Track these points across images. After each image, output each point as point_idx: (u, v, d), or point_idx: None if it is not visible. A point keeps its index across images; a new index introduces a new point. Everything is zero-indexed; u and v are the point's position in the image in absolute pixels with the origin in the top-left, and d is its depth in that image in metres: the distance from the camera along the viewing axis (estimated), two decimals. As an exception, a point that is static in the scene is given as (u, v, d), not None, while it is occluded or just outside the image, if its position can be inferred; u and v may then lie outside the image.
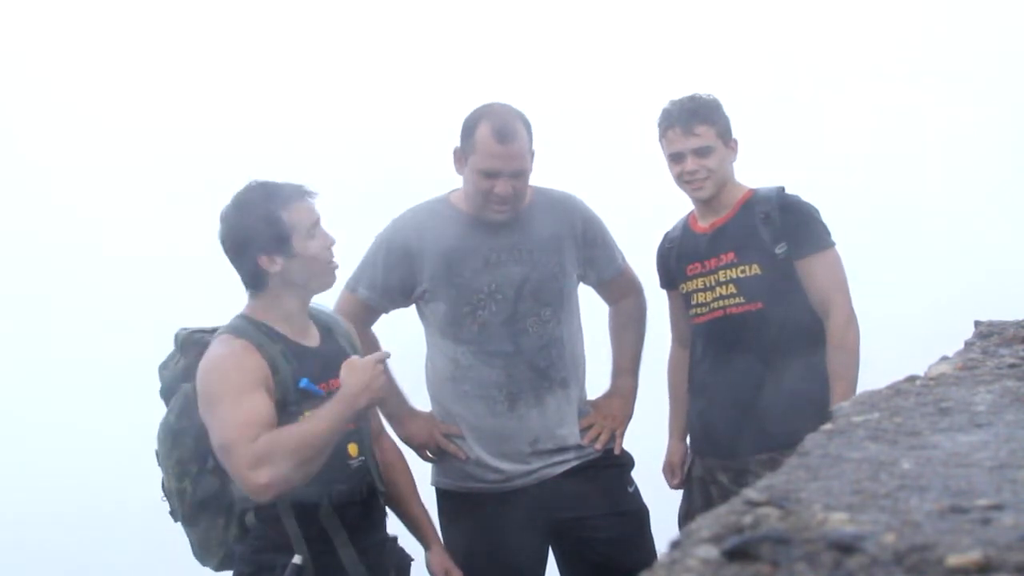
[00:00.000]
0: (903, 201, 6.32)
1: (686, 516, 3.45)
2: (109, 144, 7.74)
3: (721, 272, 3.30)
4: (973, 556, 0.82)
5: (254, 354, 2.60)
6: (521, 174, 3.12)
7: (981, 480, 1.05)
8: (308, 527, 2.62)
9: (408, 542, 3.02)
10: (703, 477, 3.38)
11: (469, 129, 3.12)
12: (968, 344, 1.92)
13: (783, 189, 3.36)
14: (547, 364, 3.21)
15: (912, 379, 1.63)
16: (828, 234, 3.27)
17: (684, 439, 3.52)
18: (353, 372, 2.61)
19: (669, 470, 3.55)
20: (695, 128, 3.28)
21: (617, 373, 3.50)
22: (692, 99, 3.34)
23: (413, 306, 3.32)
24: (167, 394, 2.78)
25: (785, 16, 7.59)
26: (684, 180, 3.33)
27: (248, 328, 2.67)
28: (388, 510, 2.97)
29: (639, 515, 3.34)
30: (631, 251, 3.50)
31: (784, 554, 0.86)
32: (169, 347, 2.85)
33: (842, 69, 7.44)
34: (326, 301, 3.05)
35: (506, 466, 3.21)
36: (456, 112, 3.21)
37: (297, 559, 2.59)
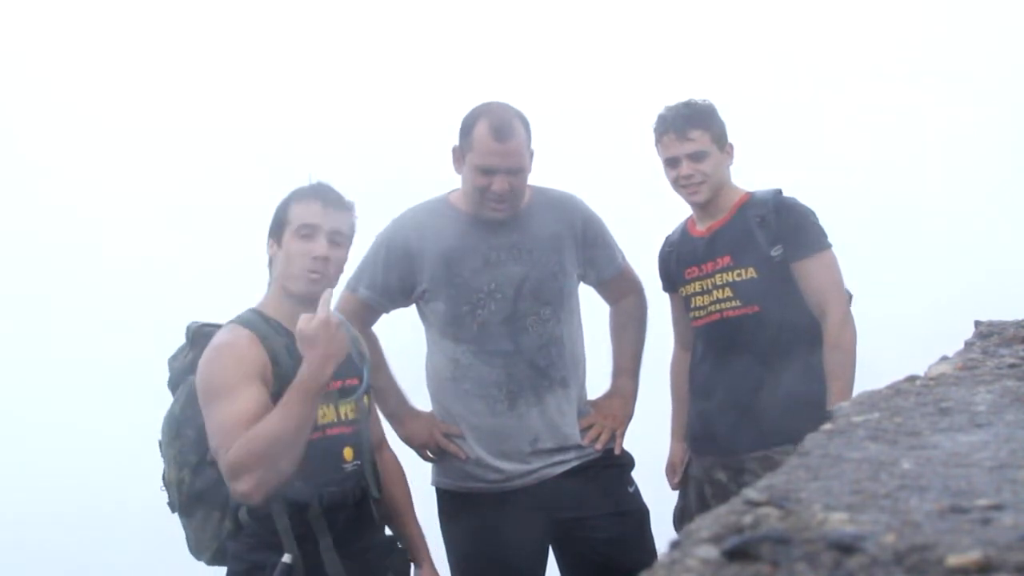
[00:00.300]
0: (903, 201, 6.33)
1: (681, 514, 3.48)
2: (110, 144, 7.75)
3: (718, 276, 3.32)
4: (973, 556, 0.82)
5: (256, 345, 2.63)
6: (518, 171, 3.12)
7: (981, 480, 1.05)
8: (298, 526, 2.63)
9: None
10: (699, 476, 3.39)
11: (467, 127, 3.14)
12: (968, 344, 1.92)
13: (780, 192, 3.36)
14: (547, 363, 3.21)
15: (912, 379, 1.63)
16: (824, 236, 3.28)
17: (685, 440, 3.52)
18: (308, 344, 2.54)
19: (670, 470, 3.57)
20: (689, 133, 3.30)
21: (617, 373, 3.50)
22: (687, 104, 3.36)
23: (413, 306, 3.32)
24: (174, 385, 2.82)
25: (785, 16, 7.59)
26: (680, 185, 3.36)
27: (255, 320, 2.70)
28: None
29: (639, 515, 3.34)
30: (631, 251, 3.50)
31: (784, 554, 0.86)
32: (169, 347, 2.87)
33: (842, 69, 7.44)
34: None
35: (506, 466, 3.21)
36: (456, 112, 3.22)
37: (287, 558, 2.60)
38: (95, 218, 7.58)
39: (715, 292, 3.33)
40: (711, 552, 0.88)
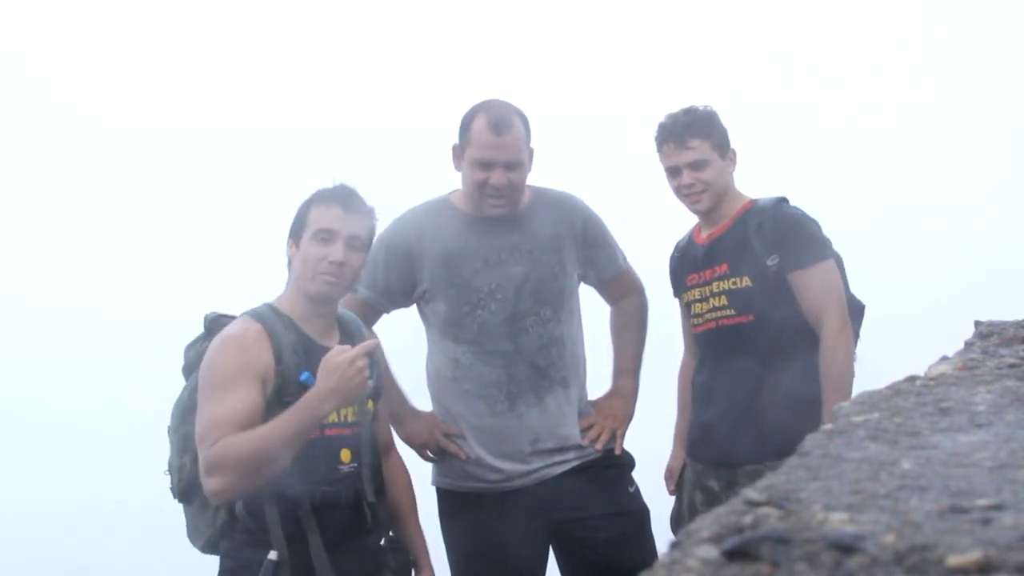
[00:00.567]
0: (903, 201, 6.33)
1: (676, 519, 3.48)
2: (109, 144, 7.75)
3: (715, 284, 3.31)
4: (973, 556, 0.82)
5: (262, 341, 2.65)
6: (517, 166, 3.12)
7: (981, 480, 1.05)
8: (289, 524, 2.64)
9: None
10: (691, 481, 3.39)
11: (466, 123, 3.16)
12: (968, 344, 1.92)
13: (783, 200, 3.33)
14: (547, 363, 3.21)
15: (912, 379, 1.63)
16: (823, 247, 3.23)
17: (684, 446, 3.52)
18: (324, 374, 2.57)
19: (669, 475, 3.56)
20: (689, 142, 3.28)
21: (618, 373, 3.50)
22: (687, 112, 3.34)
23: (414, 306, 3.32)
24: (188, 372, 2.85)
25: (785, 16, 7.59)
26: (682, 194, 3.34)
27: (268, 314, 2.73)
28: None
29: (639, 515, 3.34)
30: (631, 252, 3.50)
31: (784, 554, 0.86)
32: (169, 347, 2.89)
33: (842, 69, 7.44)
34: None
35: (506, 466, 3.21)
36: (457, 113, 3.23)
37: (272, 555, 2.62)
38: (95, 218, 7.58)
39: (712, 300, 3.32)
40: (711, 552, 0.88)
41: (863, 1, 7.71)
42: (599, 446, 3.30)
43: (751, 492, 1.03)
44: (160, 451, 2.88)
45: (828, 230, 3.30)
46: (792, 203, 3.36)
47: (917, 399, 1.47)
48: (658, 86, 6.80)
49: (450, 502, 3.30)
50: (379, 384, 2.88)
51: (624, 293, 3.48)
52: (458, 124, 3.21)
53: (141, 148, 7.77)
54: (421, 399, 3.35)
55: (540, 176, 3.32)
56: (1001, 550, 0.83)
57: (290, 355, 2.65)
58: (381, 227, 3.32)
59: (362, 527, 2.78)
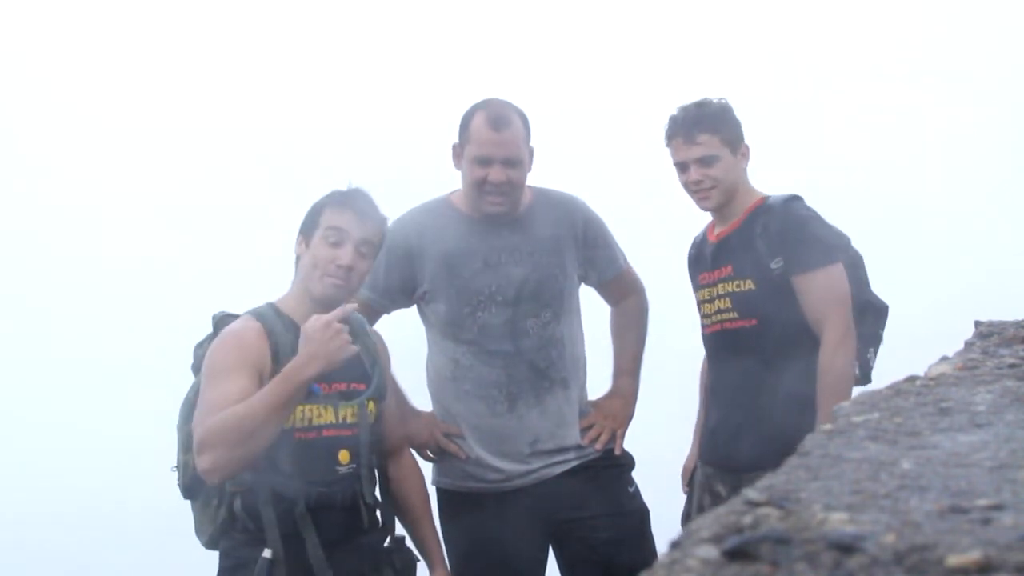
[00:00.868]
0: (903, 201, 6.33)
1: (686, 519, 3.45)
2: (109, 145, 7.75)
3: (720, 285, 3.26)
4: (973, 556, 0.82)
5: (261, 339, 2.67)
6: (516, 163, 3.12)
7: (981, 480, 1.05)
8: (286, 524, 2.65)
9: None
10: (702, 483, 3.37)
11: (466, 121, 3.17)
12: (968, 344, 1.92)
13: (794, 199, 3.25)
14: (547, 364, 3.21)
15: (912, 379, 1.63)
16: (828, 250, 3.14)
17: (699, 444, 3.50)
18: (304, 340, 2.58)
19: (684, 473, 3.54)
20: (697, 137, 3.20)
21: (618, 374, 3.50)
22: (698, 105, 3.25)
23: (414, 306, 3.32)
24: (196, 370, 2.86)
25: (785, 16, 7.59)
26: (691, 190, 3.27)
27: (269, 314, 2.74)
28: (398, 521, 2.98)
29: (639, 515, 3.34)
30: (631, 252, 3.50)
31: (784, 554, 0.86)
32: (169, 346, 2.90)
33: (842, 69, 7.44)
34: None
35: (506, 466, 3.21)
36: (457, 113, 3.23)
37: (267, 553, 2.62)
38: (95, 218, 7.58)
39: (717, 302, 3.27)
40: (711, 552, 0.88)
41: (863, 1, 7.71)
42: (599, 446, 3.30)
43: (751, 492, 1.04)
44: (160, 451, 2.89)
45: (830, 246, 3.19)
46: (805, 202, 3.27)
47: (917, 399, 1.47)
48: (658, 86, 6.80)
49: (450, 502, 3.30)
50: (382, 385, 2.88)
51: (624, 294, 3.48)
52: (458, 124, 3.21)
53: (141, 148, 7.77)
54: (421, 399, 3.35)
55: (540, 177, 3.32)
56: (1001, 550, 0.83)
57: (288, 355, 2.65)
58: (381, 227, 3.33)
59: (359, 528, 2.78)
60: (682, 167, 3.27)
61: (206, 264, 7.10)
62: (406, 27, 7.96)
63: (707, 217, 3.44)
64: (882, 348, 3.35)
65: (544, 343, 3.21)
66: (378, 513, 2.88)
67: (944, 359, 1.76)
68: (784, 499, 1.00)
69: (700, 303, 3.36)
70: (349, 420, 2.78)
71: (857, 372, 3.22)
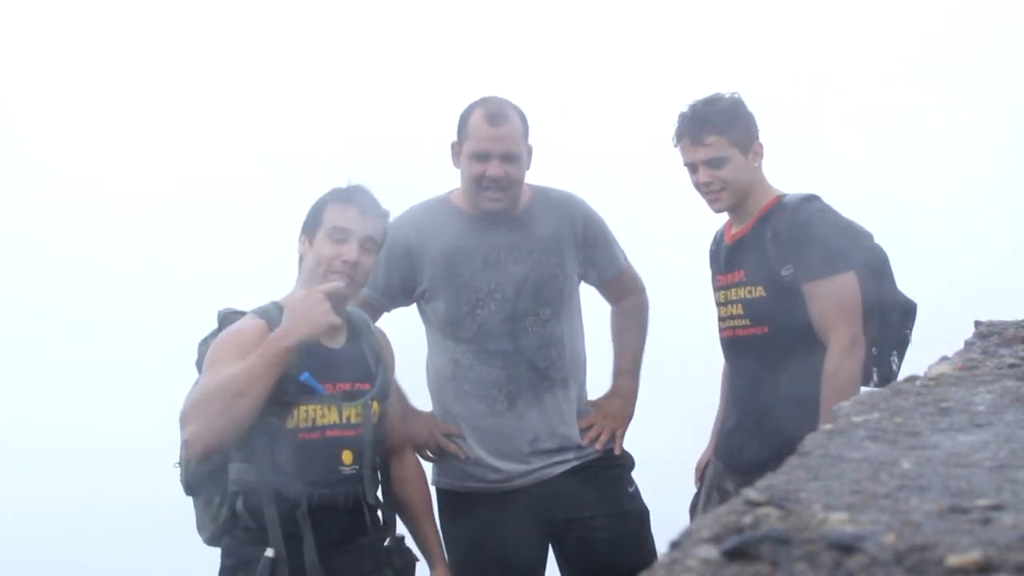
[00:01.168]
0: (903, 201, 6.32)
1: (693, 509, 3.45)
2: (109, 145, 7.75)
3: (732, 290, 3.23)
4: (973, 556, 0.82)
5: (264, 337, 2.66)
6: (513, 158, 3.13)
7: (981, 480, 1.05)
8: (288, 523, 2.65)
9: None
10: (712, 479, 3.37)
11: (464, 118, 3.19)
12: (968, 344, 1.92)
13: (811, 199, 3.17)
14: (547, 364, 3.21)
15: (912, 379, 1.63)
16: (839, 258, 3.06)
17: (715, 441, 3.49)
18: (288, 312, 2.61)
19: (698, 469, 3.52)
20: (705, 139, 3.13)
21: (618, 373, 3.50)
22: (707, 104, 3.18)
23: (414, 306, 3.33)
24: (200, 366, 2.85)
25: (785, 16, 7.59)
26: (701, 191, 3.22)
27: (273, 313, 2.74)
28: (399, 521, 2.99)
29: (639, 515, 3.34)
30: (631, 251, 3.50)
31: (784, 554, 0.86)
32: (168, 346, 2.91)
33: (842, 69, 7.44)
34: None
35: (506, 466, 3.21)
36: (457, 113, 3.24)
37: (269, 552, 2.63)
38: (95, 218, 7.58)
39: (730, 307, 3.24)
40: (711, 552, 0.88)
41: (863, 1, 7.72)
42: (599, 446, 3.30)
43: (751, 492, 1.04)
44: (160, 451, 2.89)
45: (840, 253, 3.09)
46: (821, 202, 3.18)
47: (917, 399, 1.47)
48: (658, 86, 6.80)
49: (450, 502, 3.30)
50: (384, 385, 2.88)
51: (625, 293, 3.48)
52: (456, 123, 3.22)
53: (141, 148, 7.77)
54: (421, 399, 3.35)
55: (540, 176, 3.32)
56: (1001, 550, 0.83)
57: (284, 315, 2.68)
58: (381, 227, 3.34)
59: (362, 528, 2.78)
60: (691, 168, 3.22)
61: (206, 264, 7.10)
62: (406, 27, 7.97)
63: (706, 218, 3.43)
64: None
65: (544, 342, 3.21)
66: (379, 513, 2.88)
67: (944, 359, 1.77)
68: (784, 499, 1.00)
69: (717, 304, 3.32)
70: (353, 420, 2.77)
71: (875, 378, 3.15)
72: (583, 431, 3.30)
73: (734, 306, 3.23)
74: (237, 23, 8.01)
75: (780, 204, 3.18)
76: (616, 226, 3.44)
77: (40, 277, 7.38)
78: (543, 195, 3.33)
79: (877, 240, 3.26)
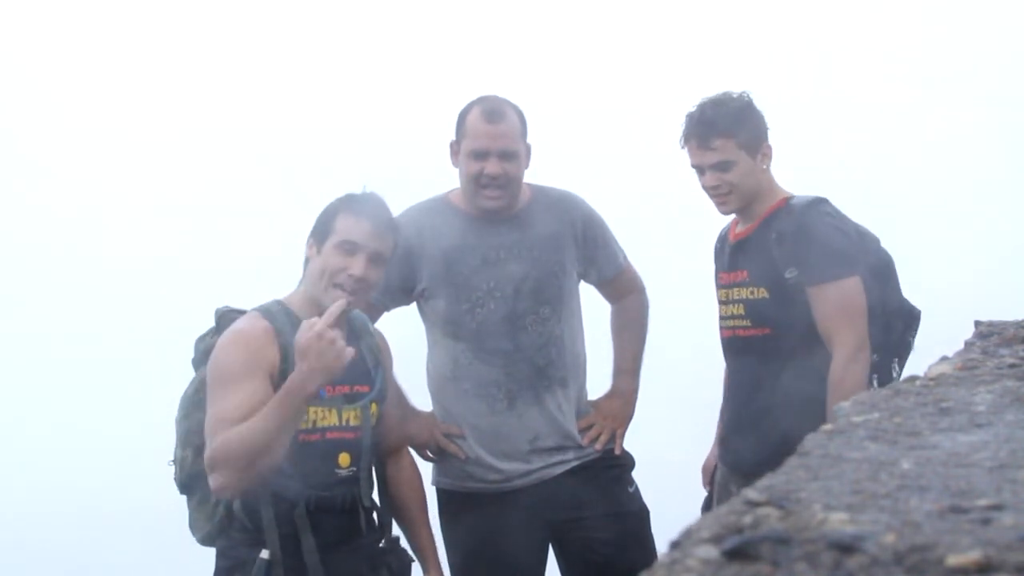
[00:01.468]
0: (903, 201, 6.32)
1: (705, 511, 3.44)
2: (109, 144, 7.75)
3: (734, 290, 3.22)
4: (973, 556, 0.82)
5: (269, 339, 2.65)
6: (511, 155, 3.13)
7: (981, 480, 1.05)
8: (285, 525, 2.65)
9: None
10: (720, 483, 3.36)
11: (462, 117, 3.19)
12: (968, 344, 1.92)
13: (819, 201, 3.14)
14: (546, 363, 3.21)
15: (912, 379, 1.63)
16: (845, 263, 3.03)
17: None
18: (300, 355, 2.53)
19: (705, 470, 3.52)
20: (712, 142, 3.10)
21: (618, 373, 3.49)
22: (715, 105, 3.14)
23: (414, 305, 3.33)
24: (197, 365, 2.84)
25: (785, 16, 7.60)
26: (708, 194, 3.20)
27: (277, 312, 2.72)
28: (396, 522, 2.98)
29: (639, 515, 3.34)
30: (631, 251, 3.50)
31: (784, 554, 0.86)
32: (168, 346, 2.90)
33: (842, 69, 7.44)
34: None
35: (506, 466, 3.21)
36: (456, 112, 3.24)
37: (264, 554, 2.62)
38: (94, 218, 7.58)
39: (731, 307, 3.23)
40: (711, 552, 0.88)
41: (864, 1, 7.72)
42: (599, 446, 3.30)
43: (751, 492, 1.04)
44: (159, 451, 2.88)
45: (846, 257, 3.07)
46: (829, 204, 3.16)
47: (917, 399, 1.47)
48: (658, 86, 6.81)
49: (450, 502, 3.30)
50: (383, 387, 2.88)
51: (625, 292, 3.48)
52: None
53: (141, 148, 7.77)
54: (421, 399, 3.35)
55: (540, 176, 3.32)
56: (1001, 550, 0.83)
57: (294, 356, 2.65)
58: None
59: (358, 530, 2.78)
60: (699, 170, 3.19)
61: (206, 264, 7.11)
62: (406, 27, 7.97)
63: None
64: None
65: (543, 341, 3.21)
66: (374, 515, 2.88)
67: (944, 359, 1.77)
68: (784, 499, 1.00)
69: (719, 302, 3.31)
70: (352, 423, 2.77)
71: (875, 384, 3.11)
72: (583, 431, 3.30)
73: (736, 306, 3.22)
74: (238, 24, 8.02)
75: (787, 206, 3.16)
76: (616, 226, 3.44)
77: (40, 277, 7.38)
78: (542, 194, 3.33)
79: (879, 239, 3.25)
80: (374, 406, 2.83)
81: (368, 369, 2.83)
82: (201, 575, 2.93)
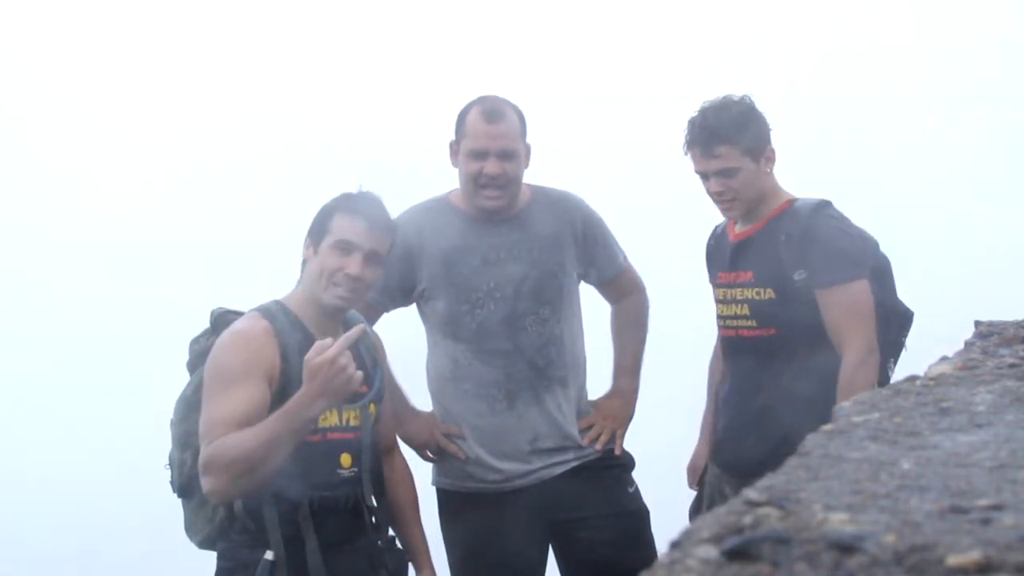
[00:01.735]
0: (903, 201, 6.33)
1: (694, 512, 3.43)
2: (110, 144, 7.75)
3: (738, 289, 3.21)
4: (973, 556, 0.82)
5: (269, 340, 2.64)
6: (511, 155, 3.13)
7: (981, 480, 1.05)
8: (288, 526, 2.65)
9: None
10: (712, 484, 3.35)
11: (461, 117, 3.19)
12: (968, 344, 1.92)
13: (824, 205, 3.15)
14: (546, 363, 3.21)
15: (912, 379, 1.63)
16: (854, 266, 3.04)
17: (709, 442, 3.45)
18: (308, 377, 2.52)
19: (691, 470, 3.50)
20: (715, 149, 3.09)
21: (618, 373, 3.49)
22: (717, 111, 3.13)
23: (414, 305, 3.33)
24: (192, 367, 2.83)
25: (785, 16, 7.60)
26: (713, 199, 3.20)
27: (276, 312, 2.72)
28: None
29: (639, 515, 3.34)
30: (631, 251, 3.50)
31: (784, 554, 0.86)
32: (168, 346, 2.89)
33: (842, 69, 7.44)
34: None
35: (506, 466, 3.21)
36: (455, 113, 3.24)
37: (269, 555, 2.62)
38: (95, 218, 7.58)
39: (734, 306, 3.21)
40: (711, 552, 0.88)
41: (864, 1, 7.72)
42: (599, 446, 3.30)
43: (751, 492, 1.04)
44: (159, 451, 2.88)
45: (855, 260, 3.09)
46: (833, 208, 3.17)
47: (917, 399, 1.47)
48: (658, 86, 6.81)
49: (450, 502, 3.30)
50: (381, 387, 2.88)
51: (625, 292, 3.47)
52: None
53: (141, 148, 7.77)
54: (421, 399, 3.35)
55: (540, 175, 3.32)
56: (1001, 550, 0.83)
57: (296, 355, 2.64)
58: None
59: (362, 530, 2.78)
60: (703, 176, 3.19)
61: (206, 264, 7.11)
62: (406, 27, 7.97)
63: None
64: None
65: (543, 341, 3.21)
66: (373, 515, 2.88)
67: (944, 359, 1.76)
68: (784, 499, 1.00)
69: (716, 301, 3.31)
70: (352, 423, 2.77)
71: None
72: (583, 431, 3.30)
73: (739, 306, 3.21)
74: (238, 25, 8.02)
75: (792, 208, 3.16)
76: (616, 226, 3.44)
77: (40, 277, 7.39)
78: (542, 194, 3.33)
79: (879, 242, 3.25)
80: (372, 406, 2.83)
81: (366, 370, 2.83)
82: (198, 574, 2.93)
